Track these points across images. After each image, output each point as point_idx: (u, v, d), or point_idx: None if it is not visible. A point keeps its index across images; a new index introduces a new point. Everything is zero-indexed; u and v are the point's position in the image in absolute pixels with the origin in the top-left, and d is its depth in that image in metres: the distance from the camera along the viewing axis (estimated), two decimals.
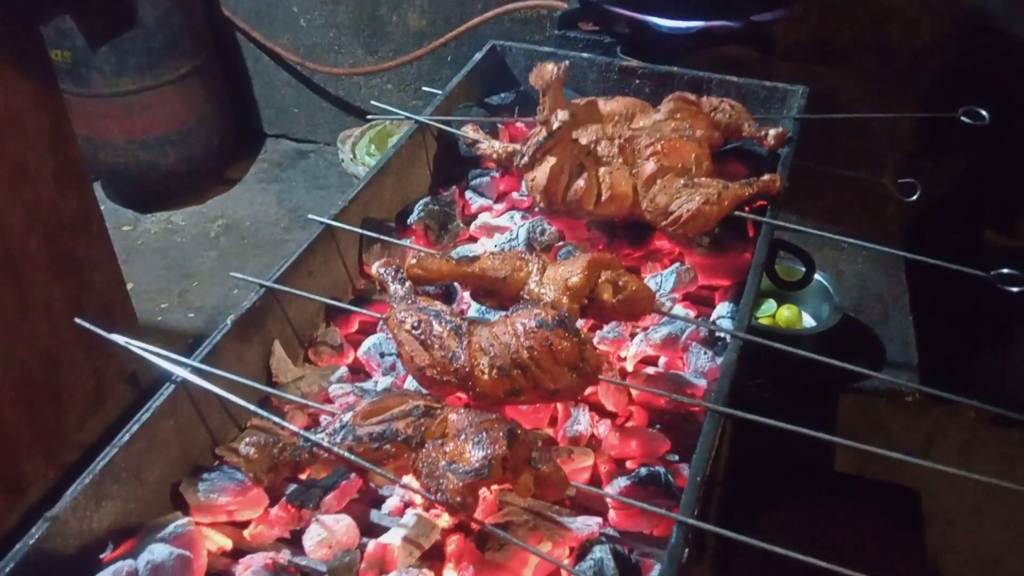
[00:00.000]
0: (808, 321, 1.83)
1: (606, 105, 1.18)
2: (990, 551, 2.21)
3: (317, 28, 2.94)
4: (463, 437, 0.78)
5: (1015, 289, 1.07)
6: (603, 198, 1.11)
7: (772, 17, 1.82)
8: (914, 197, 1.28)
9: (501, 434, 0.76)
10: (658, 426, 0.96)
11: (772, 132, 1.23)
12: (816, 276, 1.83)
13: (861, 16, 2.42)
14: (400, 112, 1.30)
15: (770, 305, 1.85)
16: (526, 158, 1.09)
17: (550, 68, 1.07)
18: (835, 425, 1.79)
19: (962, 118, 1.26)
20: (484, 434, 0.77)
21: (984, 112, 1.23)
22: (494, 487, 0.88)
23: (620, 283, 0.93)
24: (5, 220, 1.66)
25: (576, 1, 1.99)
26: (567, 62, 1.12)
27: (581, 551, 0.79)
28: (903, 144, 2.45)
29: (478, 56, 1.44)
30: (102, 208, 3.00)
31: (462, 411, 0.82)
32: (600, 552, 0.76)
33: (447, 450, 0.77)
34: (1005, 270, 1.08)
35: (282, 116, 3.20)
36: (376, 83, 2.99)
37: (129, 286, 2.56)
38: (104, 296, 2.04)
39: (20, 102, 1.72)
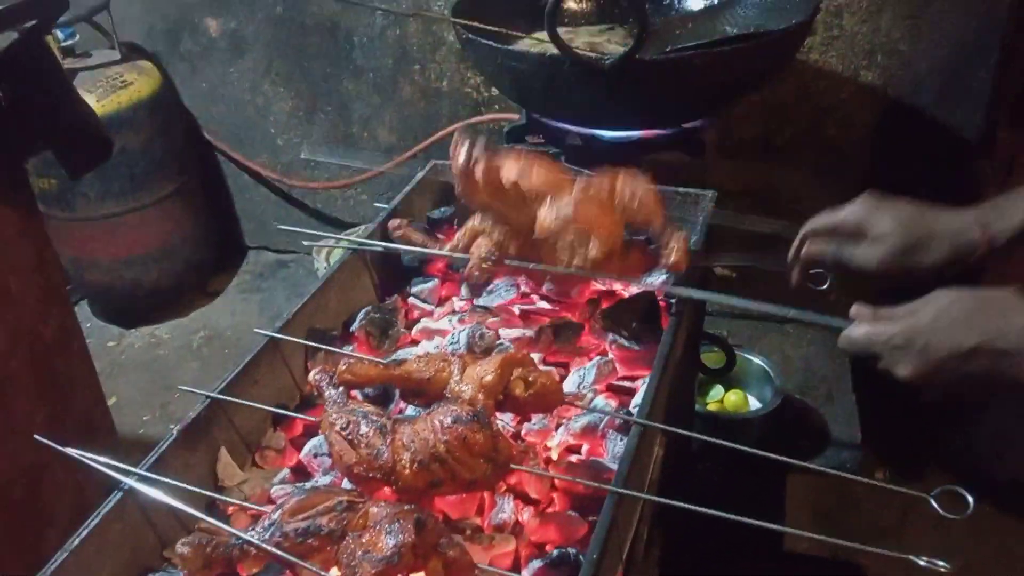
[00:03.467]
0: (754, 404, 1.91)
1: (520, 187, 1.23)
2: None
3: (293, 146, 3.11)
4: (378, 527, 0.85)
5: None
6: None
7: (700, 124, 1.97)
8: (824, 287, 1.34)
9: (410, 523, 0.84)
10: (575, 512, 1.03)
11: (673, 253, 1.23)
12: (758, 361, 1.92)
13: (800, 116, 2.59)
14: (326, 236, 1.41)
15: (717, 391, 1.93)
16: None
17: (463, 152, 1.20)
18: (783, 505, 1.84)
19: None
20: (396, 524, 0.84)
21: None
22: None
23: (530, 379, 1.02)
24: None
25: (523, 116, 2.14)
26: (481, 141, 1.22)
27: None
28: None
29: (420, 175, 1.57)
30: (88, 325, 3.13)
31: (382, 504, 0.90)
32: None
33: (363, 540, 0.85)
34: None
35: (263, 229, 3.34)
36: (351, 194, 3.15)
37: (112, 400, 2.64)
38: (85, 413, 2.11)
39: (5, 231, 1.83)
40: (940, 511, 0.92)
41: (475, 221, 1.29)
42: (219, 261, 3.29)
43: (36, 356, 1.94)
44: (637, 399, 1.17)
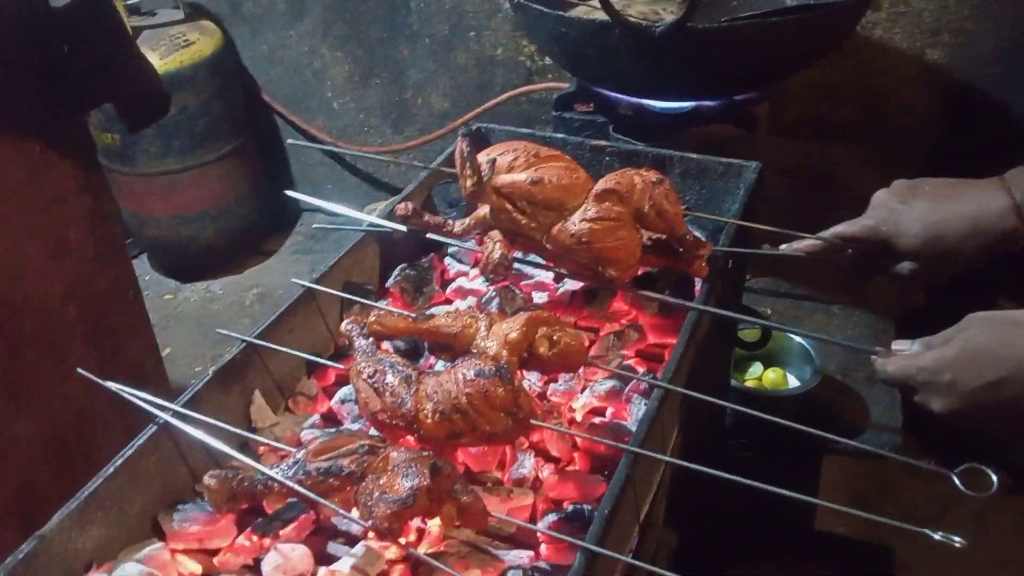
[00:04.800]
0: (793, 383, 1.89)
1: (537, 187, 1.17)
2: None
3: (349, 111, 3.15)
4: (395, 471, 0.87)
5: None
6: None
7: (751, 97, 1.94)
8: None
9: (425, 468, 0.86)
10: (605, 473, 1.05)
11: (694, 263, 1.19)
12: (799, 340, 1.90)
13: (858, 96, 2.53)
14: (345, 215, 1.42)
15: (756, 368, 1.92)
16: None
17: (460, 146, 1.18)
18: (816, 489, 1.82)
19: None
20: (413, 467, 0.86)
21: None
22: (437, 522, 0.98)
23: (555, 338, 1.03)
24: (46, 291, 1.82)
25: (573, 84, 2.13)
26: (468, 137, 1.20)
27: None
28: None
29: (461, 134, 1.58)
30: (146, 279, 3.23)
31: (402, 450, 0.92)
32: (513, 574, 0.85)
33: (381, 482, 0.87)
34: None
35: (316, 192, 3.39)
36: (403, 160, 3.17)
37: (166, 351, 2.73)
38: (137, 361, 2.18)
39: (65, 184, 1.90)
40: (962, 488, 0.91)
41: (484, 211, 1.24)
42: (273, 222, 3.36)
43: (91, 305, 2.01)
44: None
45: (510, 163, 1.17)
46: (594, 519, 0.86)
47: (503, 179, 1.16)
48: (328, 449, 0.93)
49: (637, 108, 2.01)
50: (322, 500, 0.89)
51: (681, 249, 1.19)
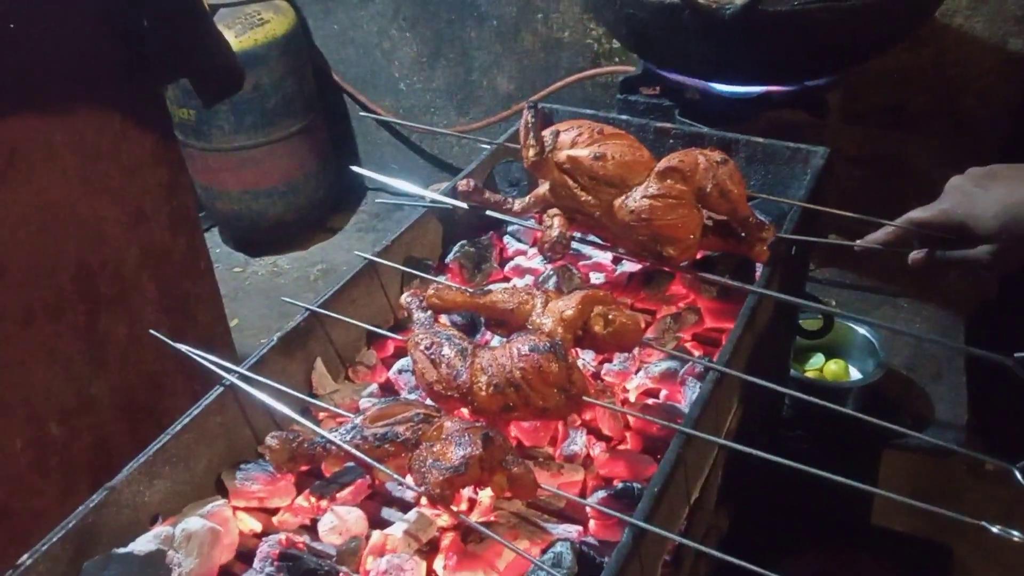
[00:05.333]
0: (855, 375, 1.85)
1: (600, 163, 1.17)
2: None
3: (415, 92, 3.18)
4: (449, 439, 0.89)
5: None
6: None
7: (824, 83, 1.90)
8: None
9: (478, 437, 0.87)
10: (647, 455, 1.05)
11: (756, 245, 1.18)
12: (863, 332, 1.86)
13: (936, 85, 2.45)
14: (404, 192, 1.44)
15: (818, 359, 1.89)
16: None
17: (525, 117, 1.19)
18: (876, 483, 1.79)
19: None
20: (465, 437, 0.88)
21: None
22: (489, 492, 0.99)
23: (610, 317, 1.03)
24: (122, 258, 1.89)
25: (640, 67, 2.12)
26: (534, 108, 1.20)
27: (547, 547, 0.89)
28: None
29: (527, 114, 1.58)
30: (217, 252, 3.32)
31: (456, 420, 0.94)
32: (561, 547, 0.86)
33: (435, 450, 0.89)
34: None
35: (382, 171, 3.41)
36: (467, 141, 3.19)
37: (235, 322, 2.81)
38: (207, 328, 2.25)
39: (141, 155, 1.96)
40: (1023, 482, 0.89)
41: (544, 189, 1.26)
42: (339, 200, 3.42)
43: (164, 273, 2.08)
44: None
45: (573, 139, 1.17)
46: (643, 496, 0.86)
47: (565, 154, 1.16)
48: (384, 416, 0.95)
49: (704, 92, 1.98)
50: (377, 464, 0.92)
51: (743, 232, 1.18)
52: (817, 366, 1.88)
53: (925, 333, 1.86)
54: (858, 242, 1.19)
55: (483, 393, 0.98)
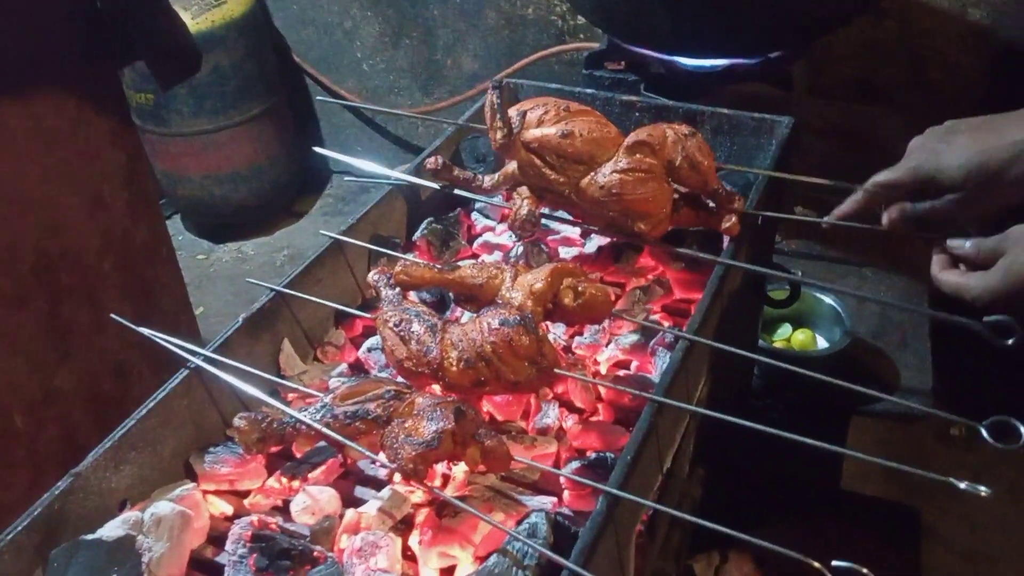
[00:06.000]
0: (822, 344, 1.88)
1: (568, 140, 1.16)
2: None
3: (378, 72, 3.15)
4: (420, 415, 0.89)
5: (1009, 341, 0.98)
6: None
7: (788, 55, 1.91)
8: None
9: (450, 411, 0.87)
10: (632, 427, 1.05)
11: (725, 221, 1.18)
12: (829, 302, 1.88)
13: (901, 57, 2.47)
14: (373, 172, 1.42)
15: (785, 329, 1.91)
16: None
17: (488, 99, 1.16)
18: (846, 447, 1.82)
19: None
20: (437, 411, 0.88)
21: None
22: (464, 467, 0.99)
23: (580, 289, 1.03)
24: (82, 245, 1.85)
25: (604, 42, 2.11)
26: (498, 88, 1.17)
27: (521, 519, 0.88)
28: None
29: (490, 92, 1.57)
30: (180, 239, 3.27)
31: (426, 396, 0.93)
32: (536, 518, 0.86)
33: (406, 426, 0.88)
34: (997, 317, 0.98)
35: (346, 154, 3.40)
36: (432, 122, 3.17)
37: (200, 310, 2.76)
38: (171, 317, 2.21)
39: (99, 140, 1.92)
40: (991, 440, 0.90)
41: (512, 166, 1.24)
42: (304, 183, 3.38)
43: (126, 260, 2.04)
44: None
45: (539, 117, 1.16)
46: (616, 465, 0.87)
47: (532, 133, 1.15)
48: (355, 394, 0.94)
49: (669, 66, 1.98)
50: (349, 442, 0.91)
51: (713, 204, 1.18)
52: (785, 336, 1.90)
53: (892, 300, 1.88)
54: (825, 219, 1.19)
55: (454, 368, 0.97)
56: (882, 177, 1.13)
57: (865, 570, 0.77)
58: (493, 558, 0.84)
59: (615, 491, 0.83)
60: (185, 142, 2.94)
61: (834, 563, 0.78)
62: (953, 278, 1.02)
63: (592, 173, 1.14)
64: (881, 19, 2.41)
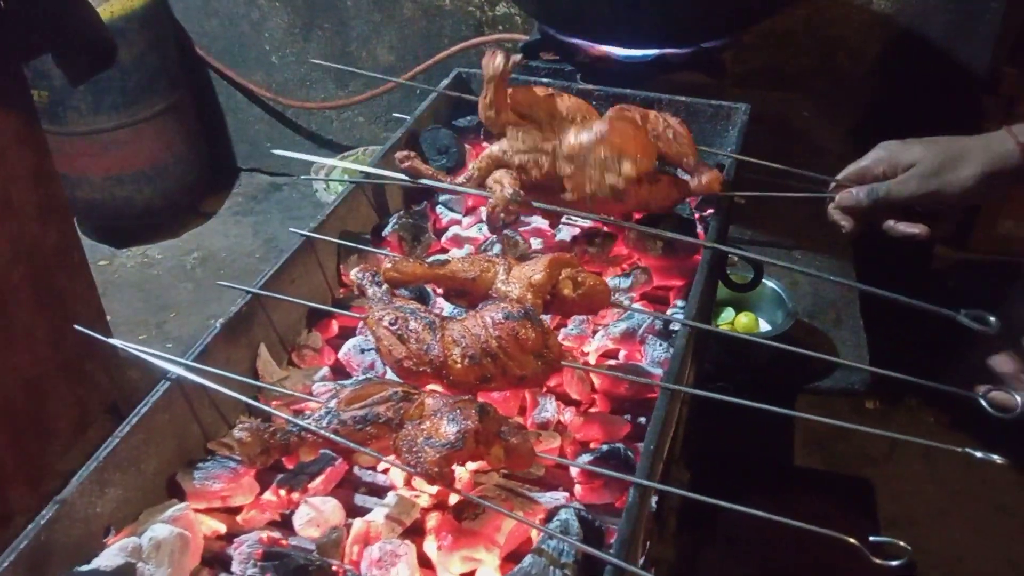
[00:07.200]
0: (765, 327, 1.92)
1: (553, 101, 1.22)
2: (954, 552, 2.31)
3: (289, 65, 3.04)
4: (438, 416, 0.85)
5: (979, 327, 1.02)
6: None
7: (719, 44, 1.94)
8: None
9: (473, 410, 0.84)
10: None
11: (705, 175, 1.21)
12: (770, 284, 1.93)
13: (812, 45, 2.57)
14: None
15: (728, 313, 1.94)
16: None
17: (499, 60, 1.16)
18: (794, 426, 1.88)
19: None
20: (458, 412, 0.84)
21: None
22: (469, 467, 0.96)
23: (579, 279, 1.02)
24: None
25: (537, 32, 2.10)
26: (519, 55, 1.19)
27: (549, 516, 0.86)
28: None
29: (445, 83, 1.54)
30: None
31: (438, 396, 0.90)
32: (566, 514, 0.84)
33: (424, 428, 0.85)
34: (971, 312, 1.02)
35: (256, 151, 3.28)
36: (347, 116, 3.09)
37: (107, 319, 2.60)
38: (86, 326, 2.07)
39: (2, 140, 1.78)
40: (990, 410, 0.94)
41: (495, 147, 1.24)
42: (211, 182, 3.24)
43: (37, 268, 1.91)
44: (676, 306, 1.17)
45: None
46: (643, 455, 0.86)
47: (525, 93, 1.15)
48: (360, 397, 0.90)
49: (602, 55, 1.99)
50: (362, 448, 0.86)
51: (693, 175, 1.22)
52: (728, 320, 1.94)
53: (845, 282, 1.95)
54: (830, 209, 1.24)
55: (458, 366, 0.94)
56: (851, 168, 1.20)
57: (902, 543, 0.79)
58: (528, 558, 0.81)
59: (645, 482, 0.82)
60: (84, 141, 2.77)
61: (872, 538, 0.79)
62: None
63: (580, 129, 1.17)
64: (791, 9, 2.49)
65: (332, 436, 0.86)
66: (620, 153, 1.17)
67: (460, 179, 1.23)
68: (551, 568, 0.80)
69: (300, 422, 0.87)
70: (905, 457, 2.53)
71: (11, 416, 1.86)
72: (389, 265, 1.04)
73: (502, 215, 1.15)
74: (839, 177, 1.22)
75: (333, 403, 0.89)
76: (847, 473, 2.05)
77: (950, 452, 0.92)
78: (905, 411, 2.70)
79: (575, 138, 1.19)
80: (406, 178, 1.27)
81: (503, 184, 1.16)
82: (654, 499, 0.95)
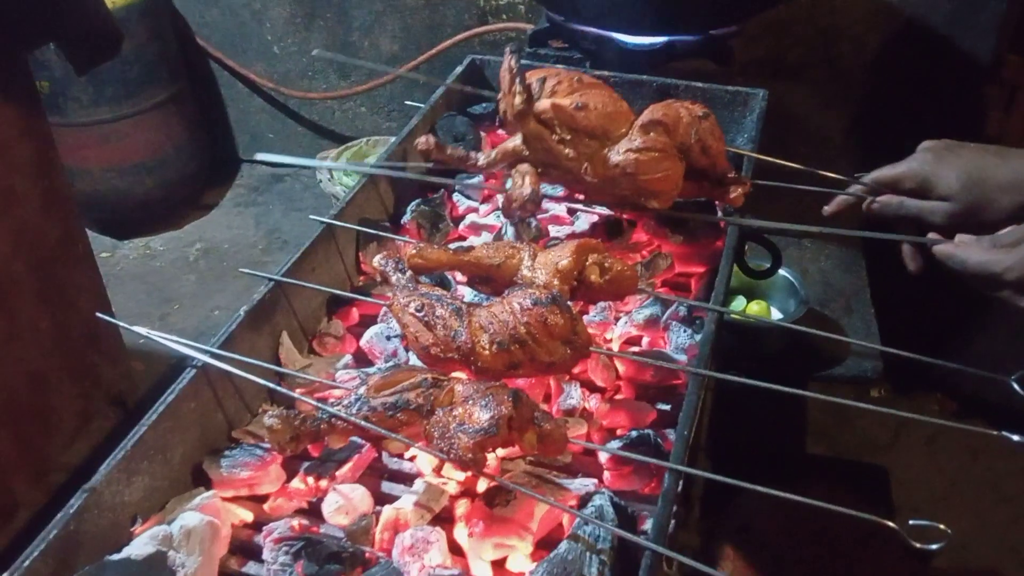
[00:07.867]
0: (776, 315, 1.93)
1: (583, 113, 1.13)
2: (957, 539, 2.32)
3: (291, 55, 3.02)
4: (470, 402, 0.84)
5: None
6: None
7: (729, 31, 1.93)
8: None
9: (507, 396, 0.83)
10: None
11: (733, 191, 1.19)
12: (782, 273, 1.93)
13: (813, 35, 2.56)
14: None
15: (740, 301, 1.95)
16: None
17: (505, 64, 1.12)
18: (804, 415, 1.88)
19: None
20: (491, 397, 0.83)
21: None
22: (498, 453, 0.95)
23: (606, 265, 1.01)
24: None
25: (545, 20, 2.09)
26: (517, 52, 1.12)
27: (582, 502, 0.86)
28: (858, 151, 2.58)
29: (459, 70, 1.53)
30: None
31: (467, 382, 0.89)
32: (600, 500, 0.83)
33: (456, 414, 0.84)
34: None
35: (257, 141, 3.25)
36: (350, 106, 3.07)
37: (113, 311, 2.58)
38: (90, 320, 2.07)
39: (6, 130, 1.76)
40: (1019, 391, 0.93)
41: (510, 143, 1.20)
42: (213, 173, 3.21)
43: (40, 260, 1.89)
44: (699, 293, 1.17)
45: (552, 87, 1.13)
46: (676, 441, 0.85)
47: (545, 103, 1.11)
48: (389, 384, 0.89)
49: (610, 43, 1.97)
50: (393, 435, 0.85)
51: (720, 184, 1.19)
52: (739, 308, 1.94)
53: (835, 275, 1.95)
54: (826, 208, 1.22)
55: (487, 352, 0.93)
56: (883, 172, 1.16)
57: (942, 526, 0.79)
58: (564, 544, 0.81)
59: (682, 468, 0.82)
60: (84, 132, 2.74)
61: (911, 522, 0.79)
62: (982, 255, 0.99)
63: (605, 150, 1.12)
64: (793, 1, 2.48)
65: (362, 423, 0.86)
66: (644, 191, 1.14)
67: (482, 161, 1.21)
68: (588, 554, 0.79)
69: (331, 409, 0.87)
70: (908, 445, 2.53)
71: (15, 408, 1.84)
72: (414, 251, 1.03)
73: (518, 212, 1.14)
74: (869, 179, 1.17)
75: (362, 390, 0.88)
76: (853, 461, 2.04)
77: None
78: (910, 399, 2.71)
79: (599, 164, 1.14)
80: (425, 165, 1.25)
81: (524, 181, 1.14)
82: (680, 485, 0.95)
